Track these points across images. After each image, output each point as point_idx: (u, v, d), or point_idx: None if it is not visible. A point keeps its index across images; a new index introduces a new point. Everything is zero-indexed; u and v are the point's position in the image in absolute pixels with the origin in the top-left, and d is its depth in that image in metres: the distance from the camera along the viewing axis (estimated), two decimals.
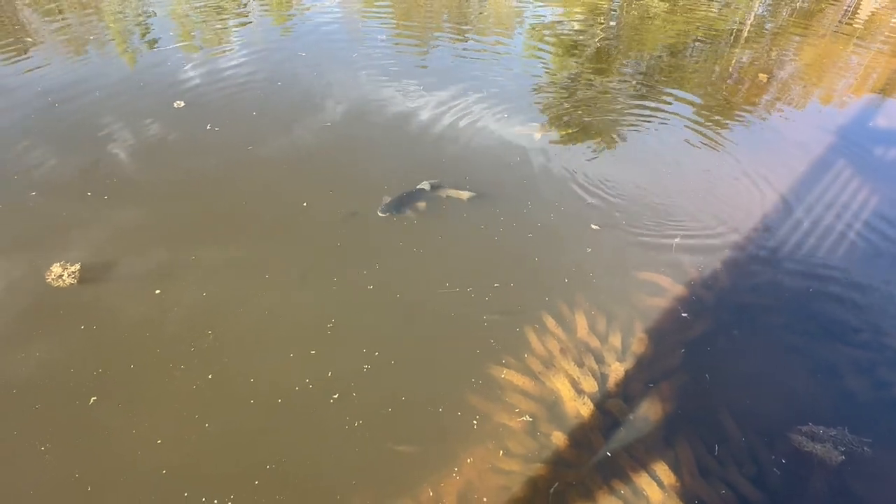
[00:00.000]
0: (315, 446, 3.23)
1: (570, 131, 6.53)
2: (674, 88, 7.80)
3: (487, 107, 6.98)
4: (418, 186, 5.18)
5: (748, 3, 12.48)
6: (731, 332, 4.08)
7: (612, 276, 4.48)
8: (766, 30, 10.87)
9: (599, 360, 3.81)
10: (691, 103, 7.41)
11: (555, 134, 6.49)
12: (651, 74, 8.30)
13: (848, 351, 3.97)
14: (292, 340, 3.83)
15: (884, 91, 8.23)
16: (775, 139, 6.66)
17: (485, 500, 3.04)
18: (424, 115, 6.69)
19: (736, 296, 4.38)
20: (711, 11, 11.79)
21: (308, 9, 10.84)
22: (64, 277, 4.12)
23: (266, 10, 10.56)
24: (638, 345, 3.93)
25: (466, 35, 9.71)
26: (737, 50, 9.60)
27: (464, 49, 9.00)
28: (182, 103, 6.68)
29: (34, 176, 5.30)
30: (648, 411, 3.52)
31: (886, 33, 10.90)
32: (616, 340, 3.94)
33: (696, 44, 9.79)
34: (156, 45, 8.56)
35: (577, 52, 9.06)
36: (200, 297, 4.10)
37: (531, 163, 5.88)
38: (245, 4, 10.78)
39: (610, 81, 8.00)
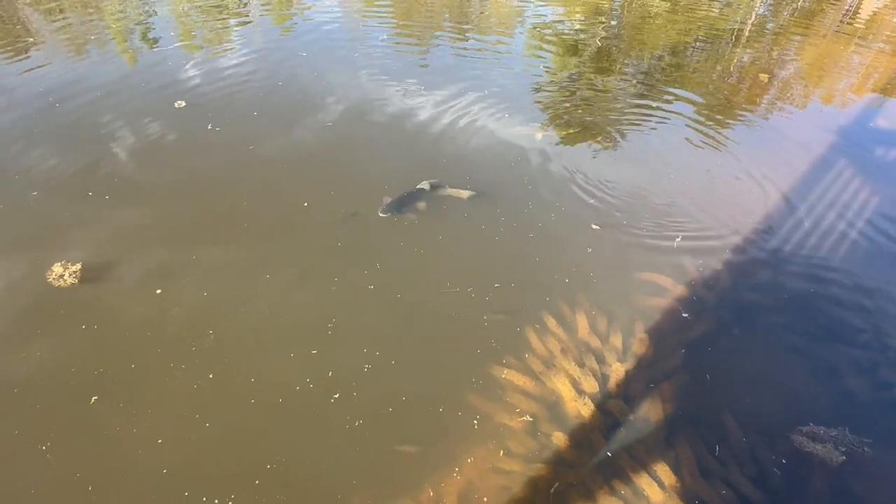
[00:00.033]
0: (316, 446, 3.24)
1: (571, 131, 6.53)
2: (675, 88, 7.79)
3: (488, 106, 6.97)
4: (418, 186, 5.18)
5: (749, 3, 12.47)
6: (732, 332, 4.08)
7: (613, 276, 4.47)
8: (768, 29, 10.86)
9: (600, 360, 3.81)
10: (692, 103, 7.40)
11: (556, 134, 6.49)
12: (652, 74, 8.29)
13: (849, 351, 3.97)
14: (293, 340, 3.83)
15: (885, 91, 8.22)
16: (776, 139, 6.65)
17: (485, 500, 3.04)
18: (425, 115, 6.68)
19: (737, 296, 4.38)
20: (713, 11, 11.78)
21: (309, 8, 10.84)
22: (65, 277, 4.13)
23: (267, 10, 10.56)
24: (639, 345, 3.93)
25: (467, 34, 9.71)
26: (738, 50, 9.59)
27: (464, 48, 8.99)
28: (183, 103, 6.68)
29: (35, 176, 5.31)
30: (649, 412, 3.52)
31: (887, 33, 10.88)
32: (617, 340, 3.94)
33: (698, 43, 9.78)
34: (157, 45, 8.56)
35: (578, 51, 9.05)
36: (201, 297, 4.10)
37: (532, 162, 5.88)
38: (245, 4, 10.78)
39: (611, 81, 8.00)
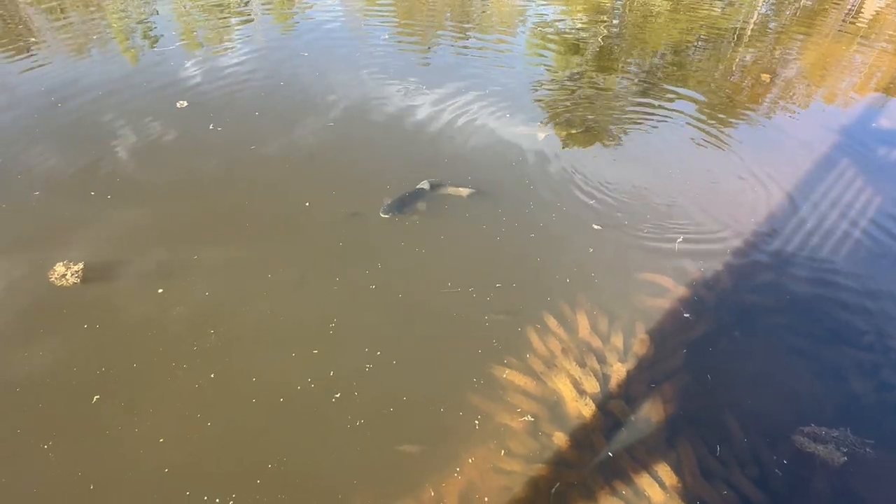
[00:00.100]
0: (316, 446, 3.24)
1: (573, 131, 6.52)
2: (677, 87, 7.77)
3: (489, 105, 6.97)
4: (418, 186, 5.18)
5: (752, 2, 12.44)
6: (734, 332, 4.07)
7: (614, 276, 4.47)
8: (770, 29, 10.83)
9: (601, 360, 3.81)
10: (694, 102, 7.38)
11: (557, 133, 6.48)
12: (654, 73, 8.27)
13: (851, 352, 3.96)
14: (294, 340, 3.84)
15: (888, 90, 8.19)
16: (778, 138, 6.63)
17: (486, 500, 3.04)
18: (426, 114, 6.68)
19: (738, 296, 4.37)
20: (714, 10, 11.75)
21: (310, 7, 10.84)
22: (67, 277, 4.13)
23: (268, 9, 10.56)
24: (640, 345, 3.92)
25: (468, 34, 9.70)
26: (740, 49, 9.57)
27: (466, 48, 8.99)
28: (185, 103, 6.69)
29: (37, 175, 5.32)
30: (650, 412, 3.52)
31: (890, 32, 10.84)
32: (618, 341, 3.94)
33: (699, 42, 9.75)
34: (158, 44, 8.57)
35: (579, 50, 9.04)
36: (203, 297, 4.11)
37: (533, 162, 5.87)
38: (247, 2, 10.78)
39: (613, 80, 7.98)
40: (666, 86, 7.82)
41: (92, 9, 10.11)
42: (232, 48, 8.49)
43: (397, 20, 10.33)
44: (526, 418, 3.42)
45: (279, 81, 7.40)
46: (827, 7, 12.37)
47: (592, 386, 3.61)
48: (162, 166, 5.55)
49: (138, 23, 9.51)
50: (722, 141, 6.49)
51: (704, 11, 11.61)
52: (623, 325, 4.06)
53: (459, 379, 3.64)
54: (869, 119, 7.30)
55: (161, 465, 3.10)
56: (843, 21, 11.50)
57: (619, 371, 3.73)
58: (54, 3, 10.30)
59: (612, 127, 6.71)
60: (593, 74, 8.13)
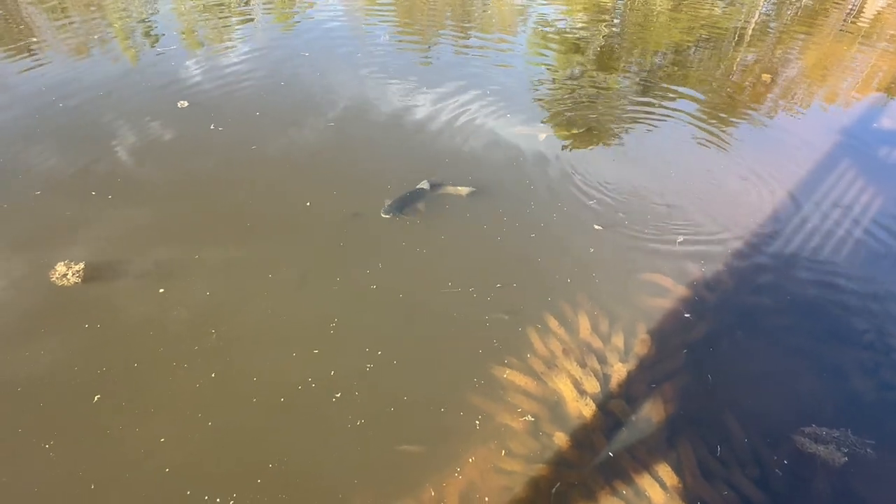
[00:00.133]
0: (317, 445, 3.24)
1: (574, 131, 6.51)
2: (677, 87, 7.77)
3: (490, 106, 6.96)
4: (418, 186, 5.18)
5: (753, 2, 12.42)
6: (734, 332, 4.07)
7: (615, 276, 4.47)
8: (771, 29, 10.82)
9: (602, 360, 3.81)
10: (695, 102, 7.38)
11: (558, 133, 6.48)
12: (655, 72, 8.27)
13: (852, 352, 3.96)
14: (295, 340, 3.84)
15: (889, 90, 8.18)
16: (779, 139, 6.63)
17: (487, 500, 3.04)
18: (427, 114, 6.68)
19: (739, 296, 4.37)
20: (716, 10, 11.74)
21: (311, 6, 10.84)
22: (68, 276, 4.14)
23: (268, 8, 10.56)
24: (640, 345, 3.92)
25: (469, 33, 9.69)
26: (741, 49, 9.56)
27: (467, 48, 8.98)
28: (186, 103, 6.69)
29: (38, 175, 5.33)
30: (651, 412, 3.52)
31: (891, 33, 10.83)
32: (618, 341, 3.94)
33: (701, 42, 9.75)
34: (159, 44, 8.58)
35: (580, 49, 9.03)
36: (204, 297, 4.11)
37: (534, 162, 5.87)
38: (247, 2, 10.78)
39: (613, 79, 7.98)
40: (667, 85, 7.81)
41: (93, 8, 10.11)
42: (232, 47, 8.49)
43: (398, 19, 10.33)
44: (526, 418, 3.42)
45: (280, 81, 7.40)
46: (828, 7, 12.36)
47: (593, 386, 3.61)
48: (163, 166, 5.55)
49: (139, 22, 9.52)
50: (723, 140, 6.49)
51: (706, 11, 11.60)
52: (624, 325, 4.06)
53: (460, 379, 3.64)
54: (870, 119, 7.29)
55: (162, 465, 3.10)
56: (845, 21, 11.49)
57: (619, 371, 3.73)
58: (55, 3, 10.31)
59: (613, 126, 6.70)
60: (594, 74, 8.12)
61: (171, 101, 6.71)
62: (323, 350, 3.77)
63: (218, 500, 2.96)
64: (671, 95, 7.51)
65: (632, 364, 3.79)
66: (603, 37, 9.66)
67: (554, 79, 7.96)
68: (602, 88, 7.67)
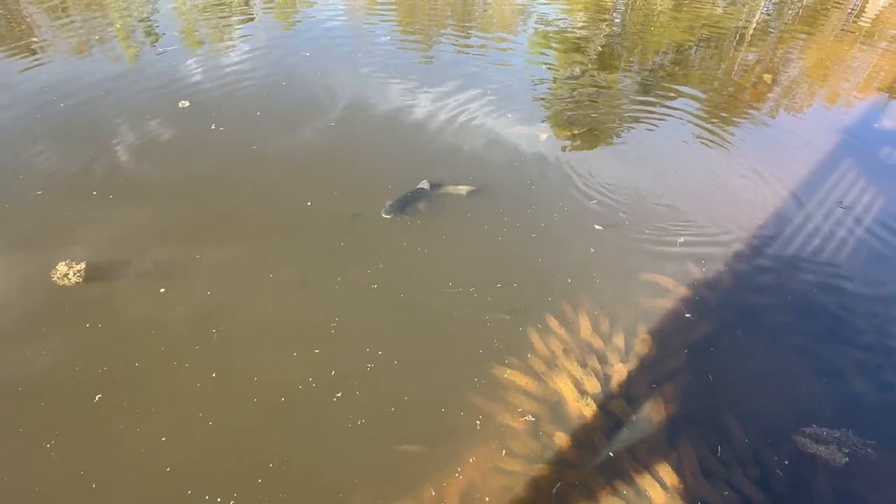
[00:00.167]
0: (318, 445, 3.25)
1: (575, 131, 6.51)
2: (678, 87, 7.76)
3: (492, 106, 6.96)
4: (418, 186, 5.19)
5: (754, 1, 12.41)
6: (735, 332, 4.07)
7: (616, 276, 4.47)
8: (772, 29, 10.81)
9: (602, 360, 3.81)
10: (696, 102, 7.37)
11: (559, 133, 6.47)
12: (656, 72, 8.26)
13: (852, 353, 3.95)
14: (295, 340, 3.84)
15: (890, 91, 8.17)
16: (780, 139, 6.62)
17: (487, 500, 3.05)
18: (428, 114, 6.68)
19: (740, 296, 4.37)
20: (717, 9, 11.73)
21: (312, 5, 10.85)
22: (69, 276, 4.14)
23: (269, 7, 10.57)
24: (641, 345, 3.92)
25: (470, 33, 9.69)
26: (742, 49, 9.55)
27: (467, 47, 8.98)
28: (187, 103, 6.69)
29: (39, 174, 5.33)
30: (651, 412, 3.52)
31: (893, 33, 10.81)
32: (619, 341, 3.94)
33: (702, 42, 9.74)
34: (160, 44, 8.58)
35: (581, 50, 9.02)
36: (204, 297, 4.11)
37: (535, 162, 5.87)
38: (247, 2, 10.78)
39: (614, 79, 7.97)
40: (668, 86, 7.80)
41: (94, 8, 10.12)
42: (233, 47, 8.50)
43: (399, 19, 10.32)
44: (527, 418, 3.42)
45: (280, 81, 7.40)
46: (829, 7, 12.34)
47: (594, 386, 3.61)
48: (164, 166, 5.56)
49: (140, 21, 9.52)
50: (724, 140, 6.48)
51: (707, 10, 11.59)
52: (624, 325, 4.06)
53: (460, 379, 3.64)
54: (872, 119, 7.28)
55: (163, 465, 3.11)
56: (846, 21, 11.47)
57: (620, 371, 3.73)
58: (56, 2, 10.31)
59: (613, 126, 6.70)
60: (595, 73, 8.12)
61: (173, 101, 6.72)
62: (324, 350, 3.77)
63: (219, 499, 2.97)
64: (672, 95, 7.50)
65: (632, 364, 3.79)
66: (604, 36, 9.65)
67: (555, 78, 7.96)
68: (603, 87, 7.67)
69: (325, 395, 3.49)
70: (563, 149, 6.15)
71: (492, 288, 4.30)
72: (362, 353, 3.76)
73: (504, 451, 3.26)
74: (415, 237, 4.75)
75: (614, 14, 11.11)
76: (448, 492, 3.05)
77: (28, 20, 9.42)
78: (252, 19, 9.90)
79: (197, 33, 9.09)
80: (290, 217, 4.94)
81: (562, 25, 10.22)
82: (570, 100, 7.28)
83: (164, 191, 5.21)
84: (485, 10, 11.16)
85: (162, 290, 4.14)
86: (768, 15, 11.70)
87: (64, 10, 10.05)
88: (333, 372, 3.63)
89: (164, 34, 8.96)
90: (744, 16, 11.44)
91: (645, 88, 7.72)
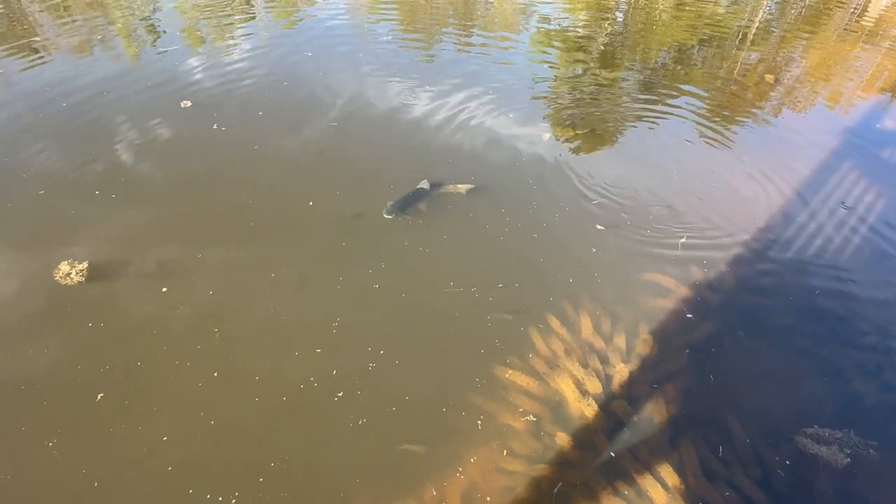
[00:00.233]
0: (319, 445, 3.25)
1: (577, 132, 6.50)
2: (680, 87, 7.75)
3: (493, 105, 6.96)
4: (418, 186, 5.19)
5: (756, 1, 12.38)
6: (737, 333, 4.06)
7: (617, 276, 4.46)
8: (774, 28, 10.78)
9: (604, 360, 3.81)
10: (698, 103, 7.36)
11: (560, 132, 6.47)
12: (657, 71, 8.25)
13: (854, 353, 3.95)
14: (297, 339, 3.84)
15: (893, 91, 8.15)
16: (782, 139, 6.61)
17: (488, 500, 3.05)
18: (430, 114, 6.68)
19: (741, 297, 4.36)
20: (719, 9, 11.71)
21: (313, 3, 10.85)
22: (72, 275, 4.15)
23: (271, 7, 10.57)
24: (642, 346, 3.92)
25: (472, 33, 9.68)
26: (744, 49, 9.53)
27: (469, 48, 8.97)
28: (189, 103, 6.70)
29: (41, 174, 5.34)
30: (653, 413, 3.52)
31: (895, 33, 10.77)
32: (621, 341, 3.94)
33: (704, 42, 9.72)
34: (163, 45, 8.59)
35: (583, 50, 9.01)
36: (206, 296, 4.12)
37: (537, 162, 5.86)
38: (248, 1, 10.78)
39: (616, 78, 7.96)
40: (669, 86, 7.79)
41: (95, 8, 10.13)
42: (235, 47, 8.50)
43: (400, 17, 10.32)
44: (528, 418, 3.43)
45: (282, 80, 7.40)
46: (832, 6, 12.31)
47: (595, 386, 3.61)
48: (166, 166, 5.56)
49: (141, 20, 9.53)
50: (727, 138, 6.47)
51: (709, 10, 11.57)
52: (626, 325, 4.06)
53: (462, 379, 3.64)
54: (875, 119, 7.26)
55: (164, 464, 3.11)
56: (849, 21, 11.44)
57: (621, 371, 3.73)
58: (58, 1, 10.33)
59: (615, 126, 6.69)
60: (597, 72, 8.11)
61: (175, 101, 6.72)
62: (325, 349, 3.77)
63: (220, 498, 2.97)
64: (674, 93, 7.49)
65: (634, 364, 3.79)
66: (605, 34, 9.64)
67: (556, 77, 7.95)
68: (605, 86, 7.66)
69: (326, 394, 3.50)
70: (565, 148, 6.14)
71: (493, 288, 4.30)
72: (364, 352, 3.77)
73: (505, 451, 3.26)
74: (416, 237, 4.75)
75: (616, 13, 11.10)
76: (449, 492, 3.06)
77: (30, 19, 9.44)
78: (253, 18, 9.91)
79: (198, 32, 9.10)
80: (292, 217, 4.94)
81: (564, 24, 10.21)
82: (572, 99, 7.27)
83: (166, 190, 5.22)
84: (486, 9, 11.15)
85: (164, 289, 4.15)
86: (771, 14, 11.67)
87: (65, 8, 10.06)
88: (335, 371, 3.63)
89: (166, 32, 8.97)
90: (746, 15, 11.42)
91: (647, 87, 7.71)
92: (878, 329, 4.12)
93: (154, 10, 10.09)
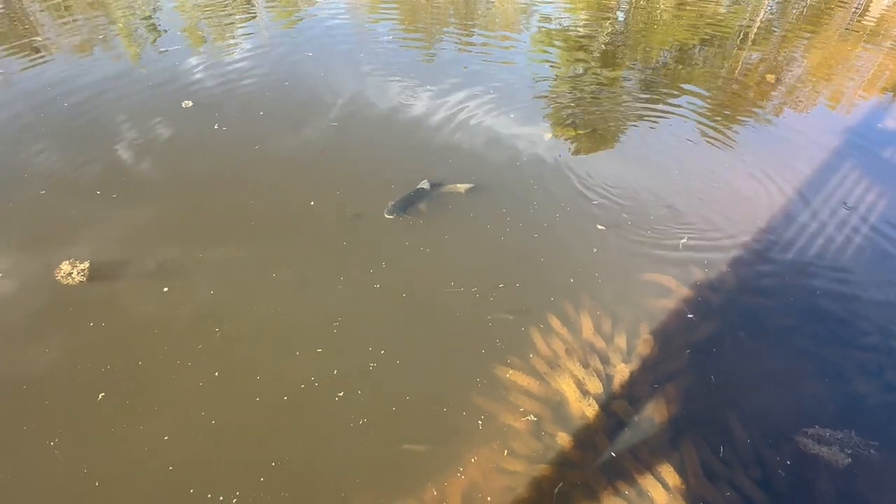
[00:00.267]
0: (320, 444, 3.25)
1: (578, 132, 6.50)
2: (681, 87, 7.74)
3: (494, 105, 6.95)
4: (418, 186, 5.19)
5: (758, 0, 12.36)
6: (738, 333, 4.06)
7: (618, 276, 4.46)
8: (776, 27, 10.76)
9: (605, 360, 3.81)
10: (699, 102, 7.35)
11: (562, 132, 6.46)
12: (659, 72, 8.24)
13: (855, 353, 3.94)
14: (298, 339, 3.85)
15: (894, 91, 8.14)
16: (784, 139, 6.60)
17: (489, 500, 3.05)
18: (431, 114, 6.67)
19: (742, 297, 4.36)
20: (720, 8, 11.69)
21: (314, 3, 10.84)
22: (73, 275, 4.16)
23: (272, 7, 10.57)
24: (643, 346, 3.92)
25: (473, 33, 9.68)
26: (745, 48, 9.51)
27: (470, 48, 8.97)
28: (190, 103, 6.70)
29: (43, 174, 5.35)
30: (653, 413, 3.52)
31: None
32: (621, 341, 3.93)
33: (705, 42, 9.70)
34: (164, 44, 8.59)
35: (584, 49, 9.00)
36: (207, 296, 4.12)
37: (537, 162, 5.86)
38: (249, 2, 10.78)
39: (617, 78, 7.96)
40: (670, 86, 7.78)
41: (97, 8, 10.13)
42: (237, 48, 8.50)
43: (401, 17, 10.31)
44: (529, 418, 3.43)
45: (283, 80, 7.40)
46: (833, 6, 12.28)
47: (596, 386, 3.61)
48: (167, 166, 5.56)
49: (142, 20, 9.53)
50: (728, 138, 6.47)
51: (710, 9, 11.55)
52: (627, 325, 4.06)
53: (463, 379, 3.64)
54: (876, 119, 7.25)
55: (165, 463, 3.12)
56: (850, 20, 11.42)
57: (622, 371, 3.73)
58: (59, 1, 10.33)
59: (616, 126, 6.68)
60: (598, 71, 8.10)
61: (176, 101, 6.73)
62: (326, 349, 3.78)
63: (221, 498, 2.98)
64: (675, 96, 7.48)
65: (634, 364, 3.79)
66: (606, 34, 9.63)
67: (557, 76, 7.95)
68: (606, 86, 7.65)
69: (327, 394, 3.50)
70: (566, 148, 6.14)
71: (494, 288, 4.30)
72: (364, 352, 3.77)
73: (506, 451, 3.26)
74: (417, 237, 4.75)
75: (617, 12, 11.08)
76: (450, 492, 3.06)
77: (31, 18, 9.44)
78: (254, 17, 9.91)
79: (199, 32, 9.10)
80: (293, 216, 4.94)
81: (565, 23, 10.20)
82: (573, 100, 7.27)
83: (167, 190, 5.22)
84: (487, 9, 11.14)
85: (165, 289, 4.15)
86: (772, 14, 11.65)
87: (66, 8, 10.07)
88: (335, 371, 3.63)
89: (167, 32, 8.97)
90: (748, 14, 11.40)
91: (648, 86, 7.71)
92: (879, 329, 4.12)
93: (155, 10, 10.09)
